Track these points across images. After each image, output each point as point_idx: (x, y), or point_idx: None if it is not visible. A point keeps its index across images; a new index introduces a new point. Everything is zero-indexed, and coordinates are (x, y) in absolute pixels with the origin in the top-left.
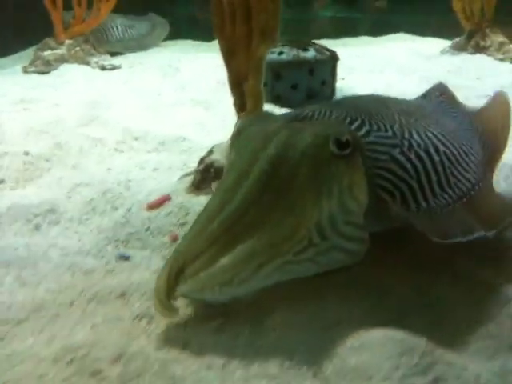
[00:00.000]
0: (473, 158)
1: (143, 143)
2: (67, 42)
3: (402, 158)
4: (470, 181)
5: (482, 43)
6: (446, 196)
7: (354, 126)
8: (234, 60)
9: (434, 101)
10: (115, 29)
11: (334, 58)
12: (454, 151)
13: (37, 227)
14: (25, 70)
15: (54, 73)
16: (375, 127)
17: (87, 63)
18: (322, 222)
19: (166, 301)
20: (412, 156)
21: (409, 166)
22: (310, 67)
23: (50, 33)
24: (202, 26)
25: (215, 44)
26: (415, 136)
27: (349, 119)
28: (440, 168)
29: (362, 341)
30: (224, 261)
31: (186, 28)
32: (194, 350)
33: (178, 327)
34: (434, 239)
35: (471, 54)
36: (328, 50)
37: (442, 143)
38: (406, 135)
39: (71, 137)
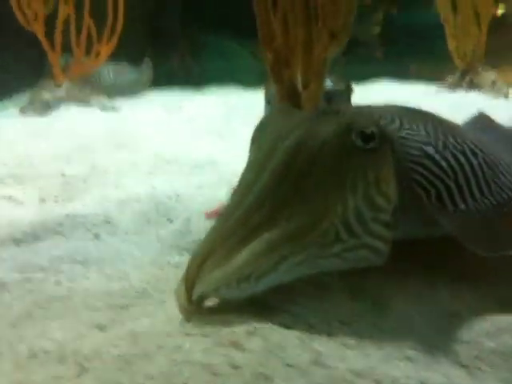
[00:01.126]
0: None
1: (177, 166)
2: (65, 83)
3: (436, 156)
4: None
5: (475, 81)
6: (486, 202)
7: (384, 121)
8: (287, 70)
9: (477, 126)
10: (107, 73)
11: (349, 88)
12: (494, 159)
13: (96, 236)
14: (22, 112)
15: (54, 113)
16: (406, 125)
17: (87, 104)
18: (349, 217)
19: (187, 304)
20: (448, 155)
21: (444, 164)
22: (329, 96)
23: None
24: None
25: (207, 89)
26: (451, 139)
27: (377, 116)
28: (479, 172)
29: (497, 326)
30: (240, 256)
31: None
32: (325, 330)
33: (303, 308)
34: (478, 251)
35: (466, 91)
36: (342, 80)
37: (480, 150)
38: (441, 137)
39: (104, 161)
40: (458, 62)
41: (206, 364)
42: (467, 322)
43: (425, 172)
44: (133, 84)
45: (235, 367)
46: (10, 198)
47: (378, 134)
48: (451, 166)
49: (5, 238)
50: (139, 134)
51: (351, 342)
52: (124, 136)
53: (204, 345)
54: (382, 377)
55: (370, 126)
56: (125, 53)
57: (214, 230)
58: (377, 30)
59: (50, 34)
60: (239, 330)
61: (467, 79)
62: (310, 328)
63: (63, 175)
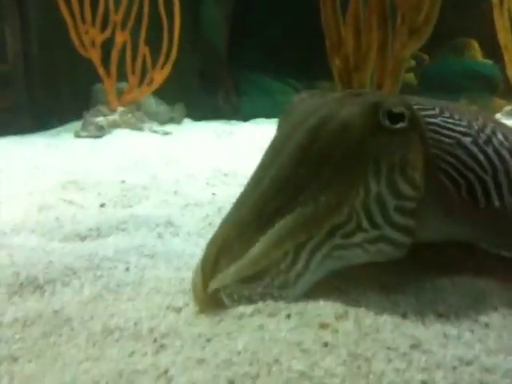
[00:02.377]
0: None
1: (234, 178)
2: (119, 108)
3: (473, 148)
4: None
5: None
6: None
7: (419, 107)
8: (357, 75)
9: None
10: (151, 102)
11: None
12: None
13: (160, 235)
14: (77, 135)
15: (107, 136)
16: (446, 114)
17: (139, 129)
18: (370, 204)
19: (203, 296)
20: (489, 150)
21: (482, 157)
22: None
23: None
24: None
25: (254, 121)
26: (499, 136)
27: (415, 103)
28: None
29: None
30: (256, 246)
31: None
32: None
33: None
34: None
35: None
36: None
37: None
38: (487, 132)
39: (163, 172)
40: None
41: (296, 342)
42: None
43: (455, 162)
44: (171, 113)
45: (328, 346)
46: (71, 202)
47: (408, 116)
48: (491, 161)
49: (70, 235)
50: (193, 152)
51: (450, 331)
52: (178, 154)
53: (290, 325)
54: (489, 366)
55: (399, 106)
56: (171, 88)
57: (229, 217)
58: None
59: (105, 60)
60: (327, 313)
61: None
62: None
63: (123, 182)
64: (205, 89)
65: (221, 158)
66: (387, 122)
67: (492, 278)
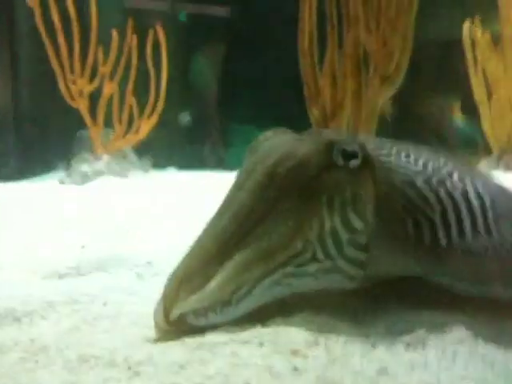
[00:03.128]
0: None
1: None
2: (105, 157)
3: (424, 187)
4: None
5: None
6: (479, 244)
7: (373, 146)
8: (333, 123)
9: None
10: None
11: None
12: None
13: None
14: (61, 182)
15: (91, 184)
16: (402, 155)
17: (125, 176)
18: (325, 236)
19: (164, 325)
20: (440, 190)
21: (432, 196)
22: None
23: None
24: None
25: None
26: (455, 179)
27: (372, 143)
28: (479, 214)
29: None
30: (215, 279)
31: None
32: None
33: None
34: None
35: (504, 172)
36: None
37: (492, 197)
38: (442, 174)
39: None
40: (492, 145)
41: (267, 366)
42: None
43: (404, 201)
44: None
45: (298, 370)
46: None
47: (361, 154)
48: (440, 201)
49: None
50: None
51: (417, 360)
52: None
53: (262, 351)
54: None
55: (352, 145)
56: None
57: (192, 250)
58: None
59: (92, 108)
60: (298, 341)
61: (504, 161)
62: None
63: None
64: (191, 140)
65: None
66: (340, 160)
67: (459, 311)
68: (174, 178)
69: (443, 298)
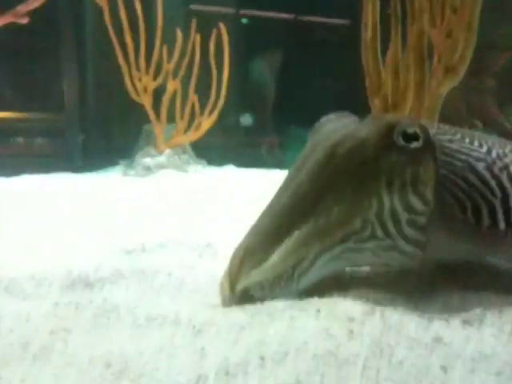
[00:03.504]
0: None
1: None
2: (167, 151)
3: (485, 173)
4: None
5: None
6: None
7: (435, 130)
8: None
9: None
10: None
11: None
12: None
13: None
14: (125, 174)
15: (153, 177)
16: (466, 140)
17: (185, 170)
18: (384, 216)
19: (231, 297)
20: (502, 176)
21: (493, 182)
22: None
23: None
24: None
25: None
26: None
27: (435, 128)
28: None
29: None
30: (275, 255)
31: None
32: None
33: None
34: None
35: None
36: None
37: None
38: (507, 160)
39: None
40: None
41: (323, 328)
42: None
43: (464, 184)
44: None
45: (354, 333)
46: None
47: (422, 137)
48: (502, 187)
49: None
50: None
51: (473, 335)
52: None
53: (319, 317)
54: (509, 360)
55: (414, 127)
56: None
57: (254, 227)
58: None
59: (156, 105)
60: (355, 310)
61: None
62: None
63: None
64: (250, 140)
65: None
66: (401, 141)
67: None
68: (232, 173)
69: (500, 281)
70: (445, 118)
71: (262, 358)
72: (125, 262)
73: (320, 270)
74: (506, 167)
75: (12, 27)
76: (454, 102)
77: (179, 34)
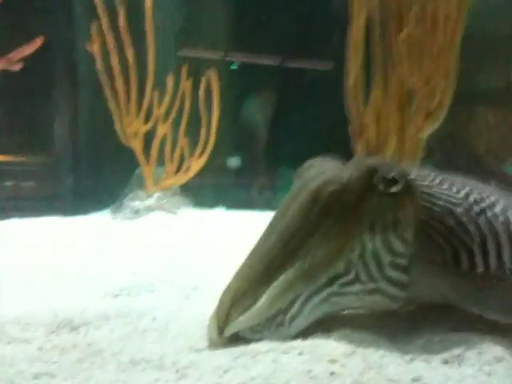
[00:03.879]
0: None
1: None
2: (156, 194)
3: (463, 218)
4: None
5: None
6: None
7: (415, 175)
8: None
9: None
10: None
11: None
12: None
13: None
14: (113, 217)
15: (142, 219)
16: (445, 186)
17: (174, 213)
18: (367, 257)
19: (219, 341)
20: (481, 221)
21: (471, 227)
22: None
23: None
24: None
25: None
26: (497, 209)
27: (415, 172)
28: None
29: None
30: (263, 299)
31: None
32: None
33: None
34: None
35: None
36: None
37: None
38: (484, 204)
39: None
40: None
41: (305, 371)
42: None
43: (443, 229)
44: None
45: (335, 375)
46: None
47: (402, 181)
48: (480, 231)
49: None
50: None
51: (453, 375)
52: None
53: (301, 359)
54: None
55: (394, 171)
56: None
57: (241, 270)
58: None
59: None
60: (337, 352)
61: None
62: None
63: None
64: (239, 182)
65: None
66: (382, 186)
67: (499, 336)
68: (222, 215)
69: (481, 321)
70: None
71: None
72: (110, 306)
73: (309, 315)
74: (483, 211)
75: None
76: None
77: (171, 79)
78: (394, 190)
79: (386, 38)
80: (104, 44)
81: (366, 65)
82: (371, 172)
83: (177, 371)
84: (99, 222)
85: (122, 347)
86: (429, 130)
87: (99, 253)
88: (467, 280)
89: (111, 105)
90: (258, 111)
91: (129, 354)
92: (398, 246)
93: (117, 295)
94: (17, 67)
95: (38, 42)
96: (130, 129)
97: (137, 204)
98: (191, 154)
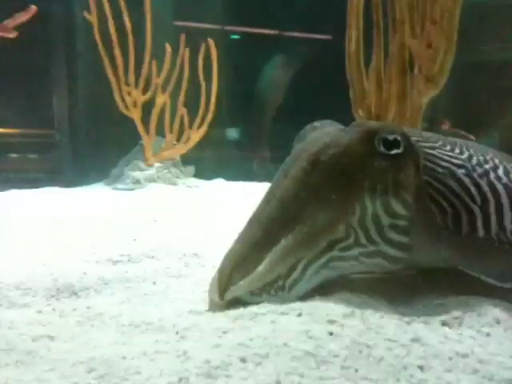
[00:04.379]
0: None
1: None
2: (156, 164)
3: (465, 179)
4: None
5: None
6: None
7: (417, 137)
8: None
9: None
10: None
11: None
12: None
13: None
14: (114, 187)
15: (143, 190)
16: (447, 147)
17: (174, 184)
18: (367, 221)
19: (220, 304)
20: (482, 182)
21: (473, 189)
22: None
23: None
24: None
25: None
26: (499, 172)
27: (417, 135)
28: None
29: None
30: (263, 263)
31: None
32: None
33: None
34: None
35: None
36: None
37: None
38: (487, 166)
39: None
40: None
41: (304, 331)
42: None
43: (445, 190)
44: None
45: (334, 335)
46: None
47: (403, 143)
48: (482, 193)
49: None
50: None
51: (451, 335)
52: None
53: (300, 320)
54: (485, 359)
55: (394, 134)
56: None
57: (242, 235)
58: None
59: (145, 118)
60: (335, 313)
61: None
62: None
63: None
64: (241, 154)
65: None
66: (382, 148)
67: (498, 298)
68: (221, 186)
69: (481, 284)
70: None
71: (243, 360)
72: (111, 272)
73: (310, 279)
74: (486, 173)
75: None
76: None
77: (169, 48)
78: (395, 151)
79: (387, 1)
80: (102, 13)
81: (366, 30)
82: (372, 134)
83: (176, 333)
84: (100, 192)
85: (122, 310)
86: (430, 95)
87: (99, 222)
88: (467, 243)
89: (109, 74)
90: (258, 82)
91: (128, 316)
92: (399, 207)
93: (117, 261)
94: (12, 35)
95: (33, 10)
96: (129, 98)
97: (137, 174)
98: (191, 125)
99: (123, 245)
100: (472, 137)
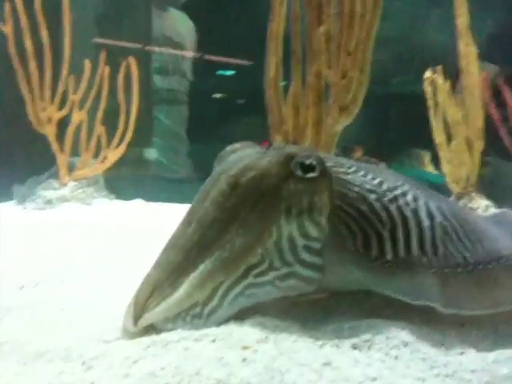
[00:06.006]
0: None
1: None
2: (71, 183)
3: (376, 204)
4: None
5: (469, 205)
6: (424, 260)
7: (331, 163)
8: None
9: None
10: None
11: None
12: (459, 229)
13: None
14: (24, 207)
15: (52, 209)
16: (360, 173)
17: (88, 204)
18: (282, 243)
19: (134, 332)
20: (392, 207)
21: (383, 214)
22: None
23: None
24: None
25: None
26: (408, 198)
27: (331, 160)
28: (428, 233)
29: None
30: (181, 289)
31: None
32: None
33: None
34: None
35: None
36: None
37: (444, 217)
38: (397, 192)
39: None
40: (452, 186)
41: (217, 358)
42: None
43: (356, 215)
44: None
45: (247, 361)
46: None
47: (318, 167)
48: (391, 218)
49: None
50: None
51: (362, 359)
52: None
53: (214, 347)
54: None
55: (311, 158)
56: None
57: (160, 259)
58: None
59: (60, 136)
60: (249, 338)
61: (461, 203)
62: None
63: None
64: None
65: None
66: (299, 172)
67: (406, 321)
68: (139, 207)
69: (390, 307)
70: None
71: None
72: (16, 297)
73: (229, 307)
74: (395, 199)
75: None
76: None
77: (88, 64)
78: (310, 175)
79: (306, 32)
80: (17, 26)
81: (285, 58)
82: (290, 158)
83: (83, 362)
84: (7, 211)
85: (26, 339)
86: (343, 123)
87: (4, 244)
88: (376, 265)
89: (23, 89)
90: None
91: (33, 345)
92: (312, 230)
93: (23, 286)
94: None
95: None
96: (44, 114)
97: (49, 194)
98: (108, 145)
99: (30, 268)
100: (383, 164)
